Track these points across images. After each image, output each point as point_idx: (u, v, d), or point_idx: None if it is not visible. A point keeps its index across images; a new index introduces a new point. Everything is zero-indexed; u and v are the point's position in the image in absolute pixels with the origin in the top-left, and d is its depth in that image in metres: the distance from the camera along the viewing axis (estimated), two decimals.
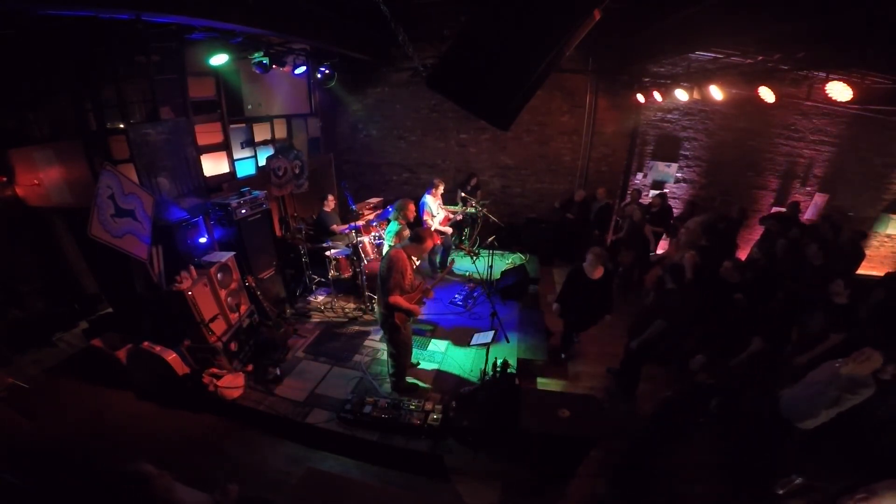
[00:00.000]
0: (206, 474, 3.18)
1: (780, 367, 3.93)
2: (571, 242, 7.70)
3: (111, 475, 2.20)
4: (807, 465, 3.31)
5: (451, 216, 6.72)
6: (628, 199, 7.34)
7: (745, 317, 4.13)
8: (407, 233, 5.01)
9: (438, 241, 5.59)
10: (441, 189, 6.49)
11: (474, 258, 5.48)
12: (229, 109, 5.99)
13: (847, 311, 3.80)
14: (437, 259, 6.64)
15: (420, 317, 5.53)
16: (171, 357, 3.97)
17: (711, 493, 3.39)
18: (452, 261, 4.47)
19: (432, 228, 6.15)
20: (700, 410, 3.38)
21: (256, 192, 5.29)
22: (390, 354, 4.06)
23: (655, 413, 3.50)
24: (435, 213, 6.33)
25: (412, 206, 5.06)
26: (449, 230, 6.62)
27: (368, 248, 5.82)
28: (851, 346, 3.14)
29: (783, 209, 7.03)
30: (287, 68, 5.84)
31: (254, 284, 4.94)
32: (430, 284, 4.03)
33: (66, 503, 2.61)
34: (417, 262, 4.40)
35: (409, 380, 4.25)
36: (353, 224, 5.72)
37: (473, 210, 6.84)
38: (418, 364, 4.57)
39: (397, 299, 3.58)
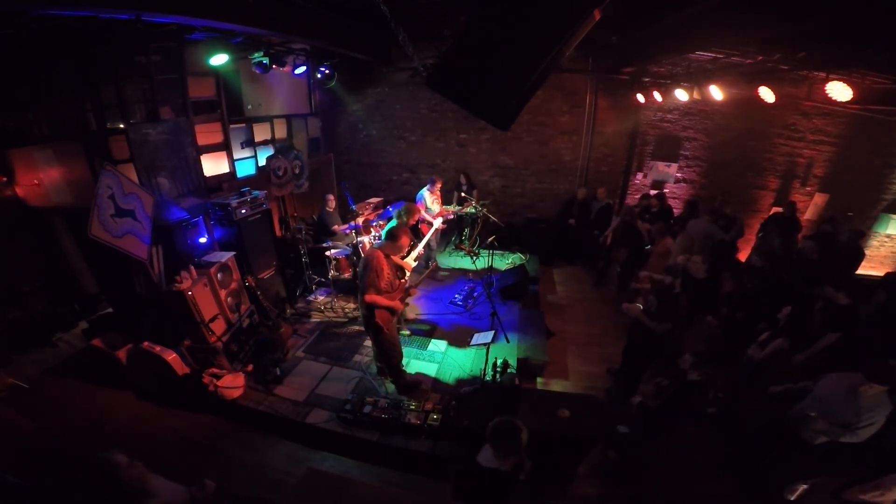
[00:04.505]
0: (205, 474, 3.18)
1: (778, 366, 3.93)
2: (572, 242, 7.73)
3: (84, 464, 2.22)
4: (810, 459, 3.30)
5: (446, 213, 6.75)
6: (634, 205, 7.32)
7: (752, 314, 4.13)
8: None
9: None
10: (439, 185, 6.51)
11: (474, 258, 5.48)
12: (229, 109, 5.99)
13: (845, 311, 3.80)
14: (433, 255, 6.68)
15: (419, 317, 5.57)
16: (171, 357, 3.97)
17: (711, 493, 3.39)
18: (435, 262, 4.46)
19: (432, 224, 6.19)
20: (691, 408, 3.37)
21: (256, 192, 5.29)
22: (379, 356, 4.06)
23: (645, 410, 3.50)
24: (430, 207, 6.36)
25: (417, 212, 5.05)
26: (442, 225, 6.64)
27: (368, 248, 5.82)
28: (852, 348, 3.13)
29: (780, 209, 7.04)
30: (287, 68, 5.84)
31: (254, 284, 4.93)
32: (415, 284, 3.98)
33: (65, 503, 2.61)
34: (415, 264, 4.39)
35: (410, 377, 4.24)
36: (353, 224, 5.73)
37: (473, 210, 6.85)
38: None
39: (373, 297, 3.53)
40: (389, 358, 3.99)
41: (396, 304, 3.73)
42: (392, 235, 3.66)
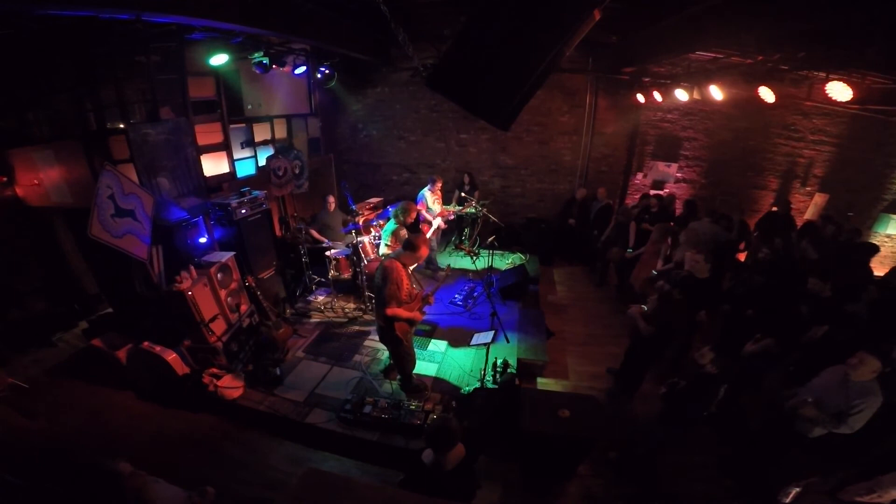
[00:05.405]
0: (205, 474, 3.18)
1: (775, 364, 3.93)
2: (572, 242, 7.73)
3: (89, 469, 2.24)
4: (805, 459, 3.30)
5: (447, 214, 6.75)
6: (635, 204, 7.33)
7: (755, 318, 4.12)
8: (404, 233, 5.02)
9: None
10: (440, 185, 6.50)
11: (474, 258, 5.48)
12: (229, 109, 5.99)
13: (831, 303, 3.79)
14: (434, 256, 6.67)
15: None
16: (171, 357, 3.97)
17: (711, 493, 3.39)
18: (449, 266, 4.45)
19: (432, 223, 6.18)
20: (707, 401, 3.35)
21: (256, 192, 5.29)
22: (395, 365, 4.06)
23: (664, 407, 3.48)
24: (431, 207, 6.36)
25: (414, 210, 5.05)
26: (443, 225, 6.64)
27: (368, 248, 5.82)
28: (856, 346, 3.12)
29: (775, 208, 7.04)
30: (287, 68, 5.85)
31: (254, 284, 4.93)
32: (431, 290, 3.97)
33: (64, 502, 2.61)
34: (413, 266, 4.39)
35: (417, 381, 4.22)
36: (352, 224, 5.73)
37: (474, 210, 6.85)
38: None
39: (395, 311, 3.50)
40: (404, 366, 3.99)
41: (416, 314, 3.70)
42: (411, 246, 3.61)
